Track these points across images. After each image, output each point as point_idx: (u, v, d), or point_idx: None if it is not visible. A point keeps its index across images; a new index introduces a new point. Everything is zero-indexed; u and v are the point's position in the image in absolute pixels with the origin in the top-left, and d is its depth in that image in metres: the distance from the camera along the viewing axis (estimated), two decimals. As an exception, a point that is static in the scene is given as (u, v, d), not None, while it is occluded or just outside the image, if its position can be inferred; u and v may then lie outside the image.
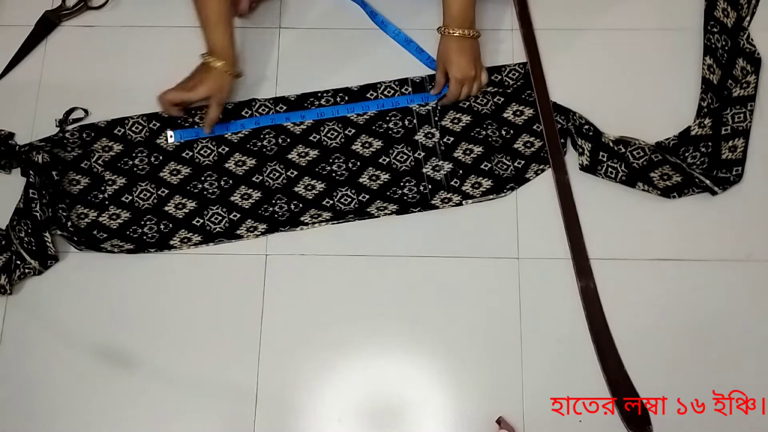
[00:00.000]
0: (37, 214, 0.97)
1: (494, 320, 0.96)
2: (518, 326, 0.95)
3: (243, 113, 1.06)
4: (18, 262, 0.97)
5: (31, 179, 0.99)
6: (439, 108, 1.05)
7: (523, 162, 1.02)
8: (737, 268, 0.97)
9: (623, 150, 0.99)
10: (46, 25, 1.12)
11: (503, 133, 1.03)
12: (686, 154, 1.00)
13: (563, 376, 0.94)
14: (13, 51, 1.10)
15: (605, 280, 0.96)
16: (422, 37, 1.09)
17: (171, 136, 1.05)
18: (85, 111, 1.05)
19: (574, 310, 0.96)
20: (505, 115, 1.04)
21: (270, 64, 1.09)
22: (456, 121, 1.04)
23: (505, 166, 1.02)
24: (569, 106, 1.04)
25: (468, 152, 1.03)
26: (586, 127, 1.01)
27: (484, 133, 1.03)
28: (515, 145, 1.03)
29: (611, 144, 0.99)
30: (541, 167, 1.02)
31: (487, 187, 1.01)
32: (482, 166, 1.02)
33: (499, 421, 0.91)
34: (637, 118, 1.03)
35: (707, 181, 0.97)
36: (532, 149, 1.03)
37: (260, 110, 1.06)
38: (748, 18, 1.06)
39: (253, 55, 1.10)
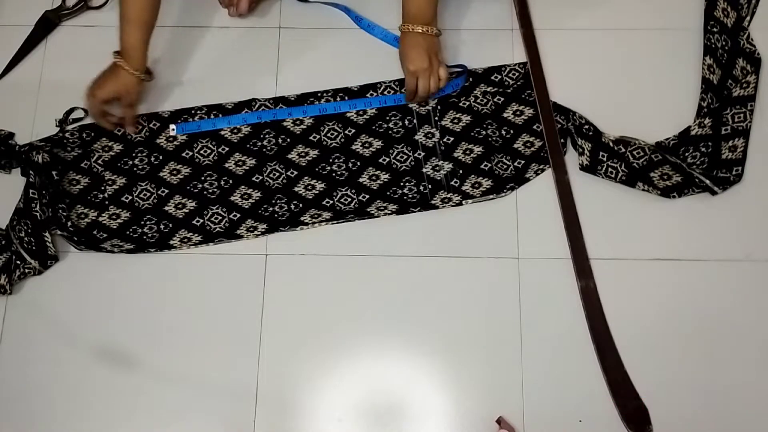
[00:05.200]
0: (37, 214, 0.97)
1: (494, 320, 0.96)
2: (518, 326, 0.95)
3: (243, 113, 1.06)
4: (18, 262, 0.97)
5: (31, 179, 0.99)
6: (438, 108, 1.05)
7: (523, 162, 1.02)
8: (737, 268, 0.97)
9: (623, 150, 0.99)
10: (46, 25, 1.12)
11: (503, 132, 1.03)
12: (686, 154, 1.00)
13: (563, 376, 0.94)
14: (13, 51, 1.10)
15: (605, 280, 0.96)
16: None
17: (173, 130, 1.05)
18: (85, 111, 1.05)
19: (574, 310, 0.96)
20: (505, 115, 1.04)
21: (270, 64, 1.09)
22: (456, 121, 1.04)
23: (505, 166, 1.02)
24: (569, 106, 1.04)
25: (468, 152, 1.03)
26: (586, 127, 1.01)
27: (484, 133, 1.03)
28: (515, 145, 1.03)
29: (611, 144, 0.99)
30: (541, 167, 1.02)
31: (487, 187, 1.01)
32: (482, 166, 1.02)
33: (499, 421, 0.91)
34: (637, 118, 1.03)
35: (707, 181, 0.97)
36: (532, 149, 1.03)
37: (260, 110, 1.06)
38: (748, 18, 1.06)
39: (253, 55, 1.10)
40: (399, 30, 1.02)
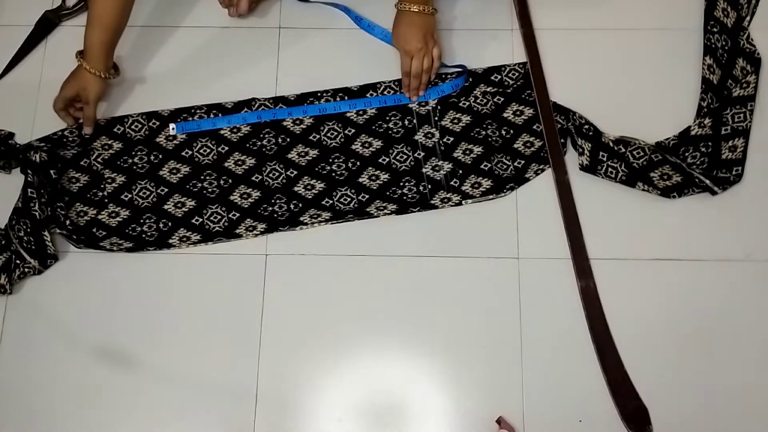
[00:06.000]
0: (36, 213, 0.97)
1: (494, 320, 0.96)
2: (518, 326, 0.95)
3: (243, 112, 1.06)
4: (18, 262, 0.97)
5: (29, 178, 0.99)
6: (438, 108, 1.05)
7: (523, 162, 1.02)
8: (737, 268, 0.97)
9: (623, 150, 0.99)
10: (46, 25, 1.12)
11: (503, 132, 1.03)
12: (686, 154, 1.00)
13: (563, 376, 0.94)
14: (13, 51, 1.10)
15: (605, 280, 0.96)
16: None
17: (173, 129, 1.05)
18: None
19: (574, 310, 0.96)
20: (505, 115, 1.04)
21: (270, 64, 1.09)
22: (456, 121, 1.04)
23: (504, 166, 1.02)
24: (569, 106, 1.04)
25: (468, 152, 1.03)
26: (586, 127, 1.01)
27: (483, 133, 1.03)
28: (515, 145, 1.03)
29: (611, 144, 0.99)
30: (540, 167, 1.02)
31: (487, 187, 1.01)
32: (482, 166, 1.02)
33: (499, 421, 0.91)
34: (637, 118, 1.03)
35: (707, 181, 0.97)
36: (532, 149, 1.03)
37: (260, 110, 1.06)
38: (748, 18, 1.06)
39: (253, 55, 1.10)
40: (395, 7, 1.02)
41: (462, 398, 0.93)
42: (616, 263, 0.97)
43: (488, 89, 1.05)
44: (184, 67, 1.09)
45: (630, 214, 1.00)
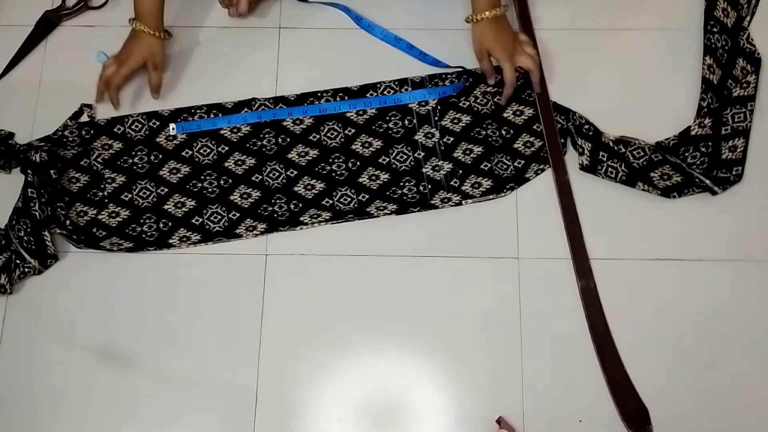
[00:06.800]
0: (36, 213, 0.97)
1: (494, 320, 0.96)
2: (518, 326, 0.95)
3: (243, 112, 1.06)
4: (18, 262, 0.97)
5: (29, 178, 0.99)
6: (438, 108, 1.05)
7: (523, 162, 1.02)
8: (737, 268, 0.97)
9: (623, 150, 0.99)
10: (46, 25, 1.12)
11: (503, 132, 1.03)
12: (686, 154, 1.00)
13: (563, 376, 0.94)
14: (13, 51, 1.10)
15: (605, 280, 0.96)
16: (413, 36, 1.08)
17: (173, 129, 1.05)
18: (90, 106, 1.05)
19: (574, 310, 0.96)
20: (505, 115, 1.04)
21: (270, 64, 1.09)
22: (456, 121, 1.04)
23: (504, 166, 1.02)
24: (569, 106, 1.04)
25: (468, 152, 1.03)
26: (586, 126, 1.01)
27: (484, 133, 1.03)
28: (515, 145, 1.03)
29: (611, 144, 0.99)
30: (541, 167, 1.02)
31: (487, 187, 1.01)
32: (482, 166, 1.02)
33: (499, 421, 0.91)
34: (637, 118, 1.03)
35: (707, 181, 0.97)
36: (532, 149, 1.02)
37: (260, 110, 1.06)
38: (748, 18, 1.06)
39: (253, 55, 1.10)
40: (468, 22, 1.00)
41: (462, 398, 0.93)
42: (616, 263, 0.97)
43: (488, 89, 1.05)
44: (184, 67, 1.09)
45: (630, 214, 0.99)
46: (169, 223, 1.01)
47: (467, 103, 1.05)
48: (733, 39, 1.04)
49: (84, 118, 1.06)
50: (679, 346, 0.94)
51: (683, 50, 1.08)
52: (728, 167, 0.99)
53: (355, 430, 0.93)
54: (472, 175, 1.02)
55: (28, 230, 0.97)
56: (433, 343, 0.95)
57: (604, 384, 0.93)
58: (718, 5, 1.07)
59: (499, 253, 0.99)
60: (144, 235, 1.00)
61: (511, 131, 1.04)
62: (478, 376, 0.94)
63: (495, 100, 1.05)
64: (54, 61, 1.10)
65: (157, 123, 1.05)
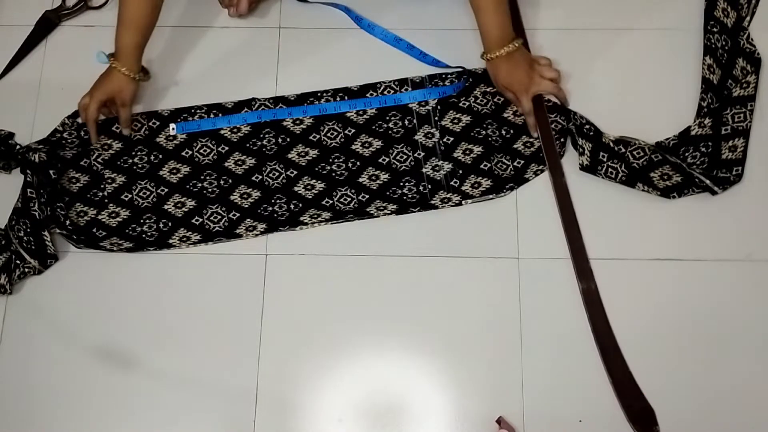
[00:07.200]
0: (36, 213, 0.97)
1: (494, 320, 0.96)
2: (518, 326, 0.95)
3: (243, 112, 1.06)
4: (18, 262, 0.97)
5: (28, 178, 0.99)
6: (438, 108, 1.05)
7: (522, 162, 1.02)
8: (737, 268, 0.97)
9: (623, 150, 0.99)
10: (46, 25, 1.12)
11: (503, 132, 1.03)
12: (686, 154, 1.00)
13: (563, 376, 0.93)
14: (13, 51, 1.10)
15: (605, 280, 0.96)
16: (413, 36, 1.08)
17: (173, 129, 1.05)
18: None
19: (575, 310, 0.96)
20: (505, 115, 1.04)
21: (270, 64, 1.09)
22: (456, 121, 1.04)
23: (504, 166, 1.02)
24: (570, 106, 1.03)
25: (468, 152, 1.03)
26: (587, 127, 1.01)
27: (483, 133, 1.03)
28: (515, 145, 1.03)
29: (611, 144, 0.99)
30: (540, 167, 1.02)
31: (487, 186, 1.01)
32: (482, 166, 1.02)
33: (499, 421, 0.91)
34: (637, 118, 1.03)
35: (707, 181, 0.97)
36: (532, 149, 1.02)
37: (260, 110, 1.06)
38: (748, 18, 1.06)
39: (253, 55, 1.10)
40: (483, 59, 1.01)
41: (462, 398, 0.93)
42: (616, 263, 0.97)
43: (488, 89, 1.05)
44: (184, 67, 1.09)
45: (630, 214, 0.99)
46: (169, 223, 1.01)
47: (467, 103, 1.05)
48: (733, 39, 1.04)
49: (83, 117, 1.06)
50: (679, 346, 0.94)
51: (683, 50, 1.08)
52: (728, 167, 0.99)
53: (355, 430, 0.93)
54: (472, 175, 1.02)
55: (28, 230, 0.97)
56: (433, 342, 0.95)
57: (603, 384, 0.92)
58: (718, 5, 1.07)
59: (499, 253, 0.99)
60: (144, 235, 1.00)
61: (511, 131, 1.03)
62: (478, 376, 0.94)
63: (495, 100, 1.05)
64: (54, 61, 1.10)
65: (157, 123, 1.05)
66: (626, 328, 0.94)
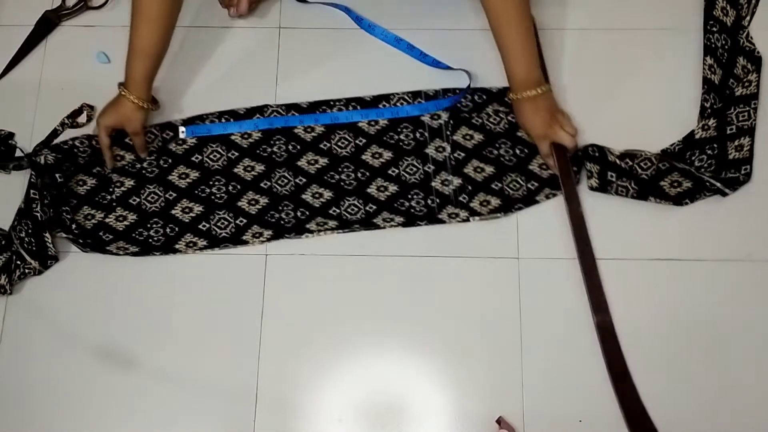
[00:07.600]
0: (38, 215, 0.97)
1: (494, 320, 0.96)
2: (518, 326, 0.95)
3: (255, 118, 1.05)
4: (18, 262, 0.97)
5: (32, 179, 0.99)
6: (451, 122, 1.04)
7: (537, 184, 1.01)
8: (738, 268, 0.97)
9: (630, 163, 0.97)
10: (46, 25, 1.11)
11: (517, 152, 1.02)
12: (693, 158, 0.99)
13: (563, 376, 0.94)
14: (13, 51, 1.10)
15: (605, 279, 0.96)
16: (413, 37, 1.08)
17: (183, 132, 1.05)
18: (91, 107, 1.05)
19: (574, 310, 0.96)
20: (519, 134, 1.03)
21: (270, 64, 1.09)
22: (468, 137, 1.03)
23: (517, 186, 1.01)
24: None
25: (479, 170, 1.01)
26: (591, 148, 0.99)
27: (495, 153, 1.02)
28: (530, 166, 1.02)
29: (617, 161, 0.98)
30: (552, 192, 1.00)
31: (496, 206, 1.00)
32: (492, 185, 1.01)
33: (499, 421, 0.91)
34: (638, 119, 1.03)
35: (718, 184, 0.96)
36: (548, 171, 1.01)
37: (272, 116, 1.05)
38: (747, 18, 1.05)
39: (253, 55, 1.10)
40: (508, 100, 1.00)
41: (462, 398, 0.93)
42: (616, 263, 0.97)
43: (501, 108, 1.04)
44: (184, 68, 1.09)
45: (630, 215, 0.99)
46: (176, 228, 1.01)
47: (480, 121, 1.04)
48: (732, 38, 1.03)
49: (83, 117, 1.06)
50: (679, 345, 0.94)
51: (683, 50, 1.07)
52: (736, 167, 0.98)
53: (355, 430, 0.93)
54: (482, 193, 1.01)
55: (30, 231, 0.97)
56: (433, 343, 0.95)
57: (604, 384, 0.92)
58: (717, 4, 1.07)
59: (499, 253, 0.99)
60: (150, 240, 1.00)
61: (526, 150, 1.02)
62: (478, 376, 0.94)
63: (508, 118, 1.04)
64: (54, 61, 1.10)
65: (171, 134, 1.05)
66: (626, 328, 0.94)
